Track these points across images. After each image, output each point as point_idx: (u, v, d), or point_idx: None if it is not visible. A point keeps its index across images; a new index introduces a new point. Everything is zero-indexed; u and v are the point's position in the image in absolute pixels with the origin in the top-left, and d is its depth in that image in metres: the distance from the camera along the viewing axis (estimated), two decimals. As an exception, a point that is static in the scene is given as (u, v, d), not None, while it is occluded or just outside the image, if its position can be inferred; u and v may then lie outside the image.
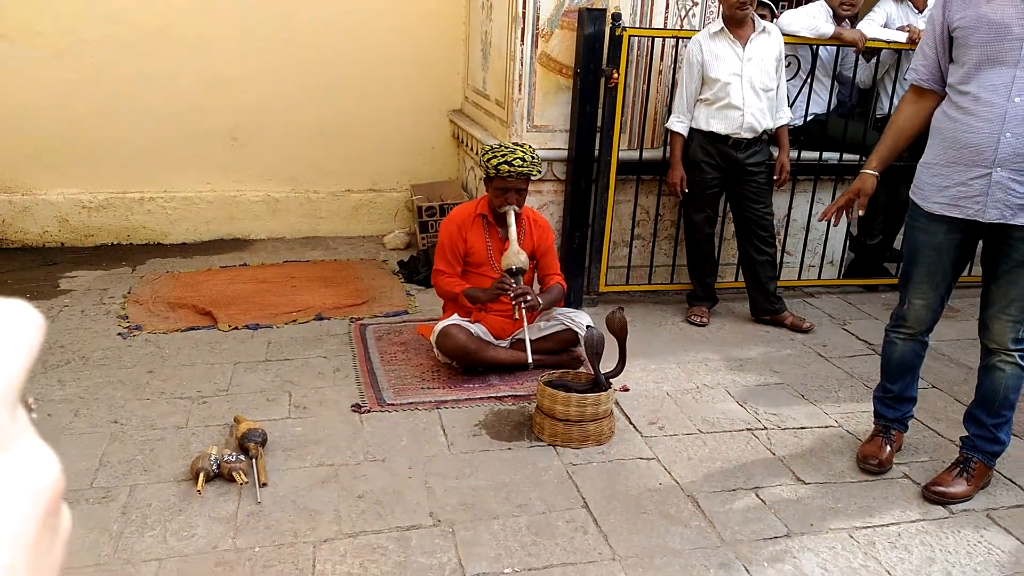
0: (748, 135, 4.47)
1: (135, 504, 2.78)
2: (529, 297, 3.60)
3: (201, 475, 2.87)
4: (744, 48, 4.39)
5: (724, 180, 4.54)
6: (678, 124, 4.49)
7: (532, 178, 3.88)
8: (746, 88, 4.42)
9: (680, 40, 4.74)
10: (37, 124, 5.52)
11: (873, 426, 3.27)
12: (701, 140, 4.48)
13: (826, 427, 3.50)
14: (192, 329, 4.31)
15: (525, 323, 3.62)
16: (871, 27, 5.05)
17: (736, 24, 4.37)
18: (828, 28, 4.78)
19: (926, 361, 4.16)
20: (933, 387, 3.93)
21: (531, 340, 3.71)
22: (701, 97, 4.46)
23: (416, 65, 6.08)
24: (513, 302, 3.61)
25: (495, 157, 3.72)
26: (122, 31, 5.49)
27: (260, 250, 5.83)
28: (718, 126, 4.42)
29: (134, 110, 5.65)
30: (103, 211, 5.77)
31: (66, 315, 4.46)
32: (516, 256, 3.67)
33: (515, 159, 3.69)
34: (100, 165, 5.72)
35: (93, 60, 5.50)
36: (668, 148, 4.63)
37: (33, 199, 5.65)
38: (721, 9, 4.41)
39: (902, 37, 4.94)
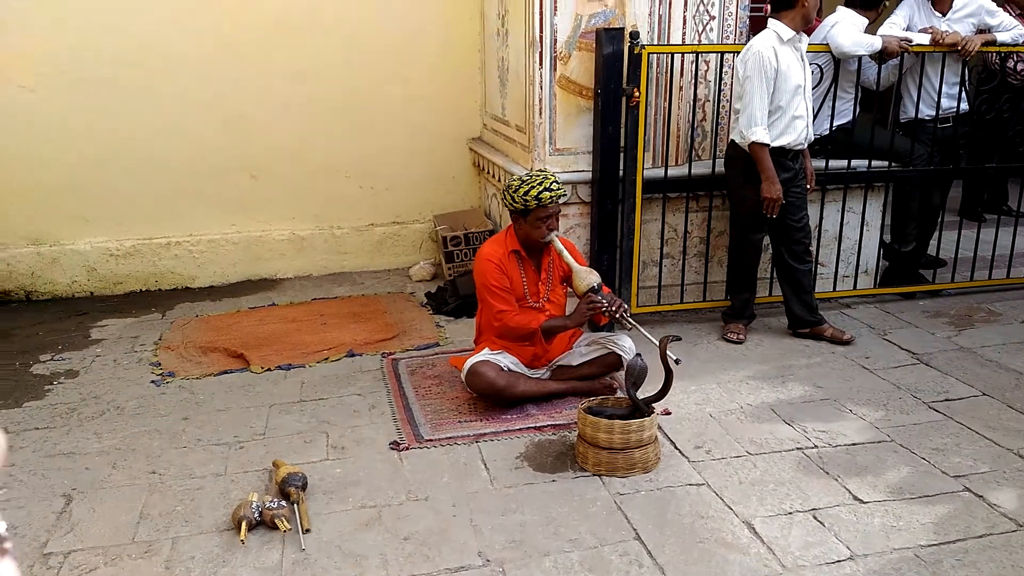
0: (805, 145, 4.41)
1: (178, 558, 2.73)
2: (625, 306, 3.64)
3: (243, 524, 2.82)
4: (802, 56, 4.33)
5: None
6: (765, 135, 4.21)
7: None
8: (808, 97, 4.36)
9: (699, 55, 4.70)
10: (61, 174, 5.56)
11: None
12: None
13: (879, 442, 3.39)
14: (225, 373, 4.28)
15: (638, 326, 3.56)
16: (893, 30, 4.98)
17: (805, 28, 4.28)
18: (878, 42, 4.70)
19: (974, 368, 4.09)
20: (984, 395, 3.81)
21: (574, 365, 3.81)
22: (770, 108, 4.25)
23: (433, 95, 6.07)
24: (617, 314, 3.58)
25: (533, 187, 3.62)
26: (134, 74, 5.53)
27: (288, 289, 5.81)
28: (786, 140, 4.30)
29: (155, 155, 5.68)
30: (130, 258, 5.79)
31: (99, 365, 4.44)
32: (589, 275, 3.68)
33: (551, 183, 3.64)
34: (125, 212, 5.74)
35: (109, 106, 5.53)
36: (746, 162, 4.33)
37: (61, 250, 5.67)
38: (792, 15, 4.20)
39: (925, 39, 4.86)
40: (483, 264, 3.74)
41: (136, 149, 5.65)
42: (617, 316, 3.59)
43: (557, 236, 3.76)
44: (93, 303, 5.60)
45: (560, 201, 3.69)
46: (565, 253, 3.74)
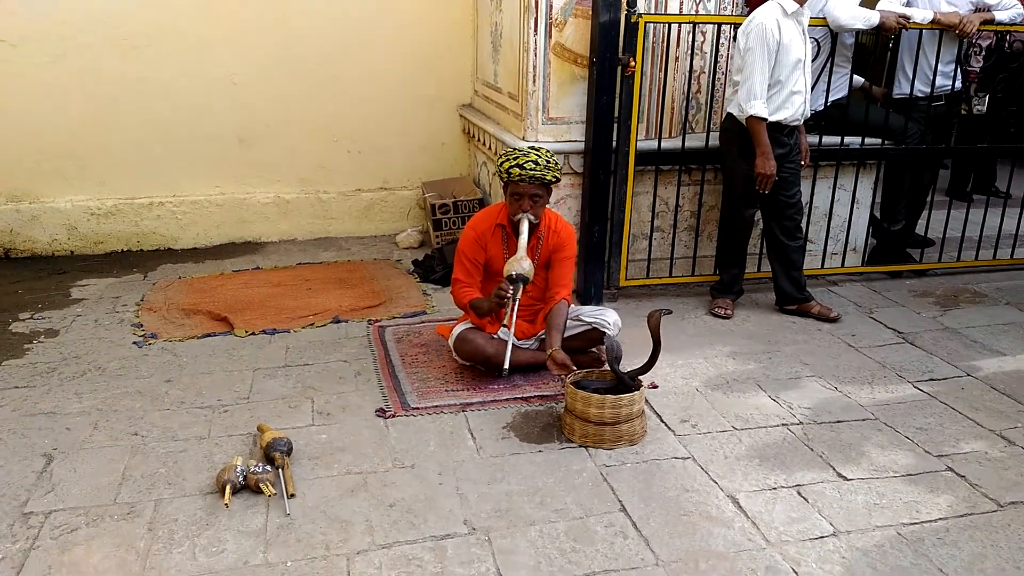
0: (801, 120, 4.38)
1: (161, 519, 2.71)
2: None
3: (227, 487, 2.80)
4: (804, 29, 4.26)
5: None
6: (763, 109, 4.16)
7: (550, 184, 3.62)
8: (807, 72, 4.31)
9: (696, 26, 4.64)
10: (41, 131, 5.45)
11: None
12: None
13: (863, 420, 3.41)
14: (208, 336, 4.24)
15: (512, 328, 3.45)
16: (893, 5, 4.93)
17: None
18: (875, 16, 4.65)
19: (958, 349, 4.11)
20: (968, 376, 3.83)
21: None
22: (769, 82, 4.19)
23: (423, 60, 5.99)
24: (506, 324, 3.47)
25: (507, 160, 3.57)
26: (121, 34, 5.43)
27: (272, 253, 5.75)
28: (783, 114, 4.26)
29: (138, 114, 5.58)
30: (112, 217, 5.70)
31: (79, 325, 4.38)
32: (518, 263, 3.49)
33: (527, 162, 3.52)
34: (107, 171, 5.65)
35: (93, 64, 5.42)
36: (742, 136, 4.31)
37: (41, 207, 5.58)
38: None
39: (929, 17, 4.81)
40: (464, 231, 3.79)
41: (117, 108, 5.54)
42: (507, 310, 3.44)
43: (530, 219, 3.59)
44: (73, 262, 5.52)
45: (533, 182, 3.53)
46: (523, 237, 3.56)
